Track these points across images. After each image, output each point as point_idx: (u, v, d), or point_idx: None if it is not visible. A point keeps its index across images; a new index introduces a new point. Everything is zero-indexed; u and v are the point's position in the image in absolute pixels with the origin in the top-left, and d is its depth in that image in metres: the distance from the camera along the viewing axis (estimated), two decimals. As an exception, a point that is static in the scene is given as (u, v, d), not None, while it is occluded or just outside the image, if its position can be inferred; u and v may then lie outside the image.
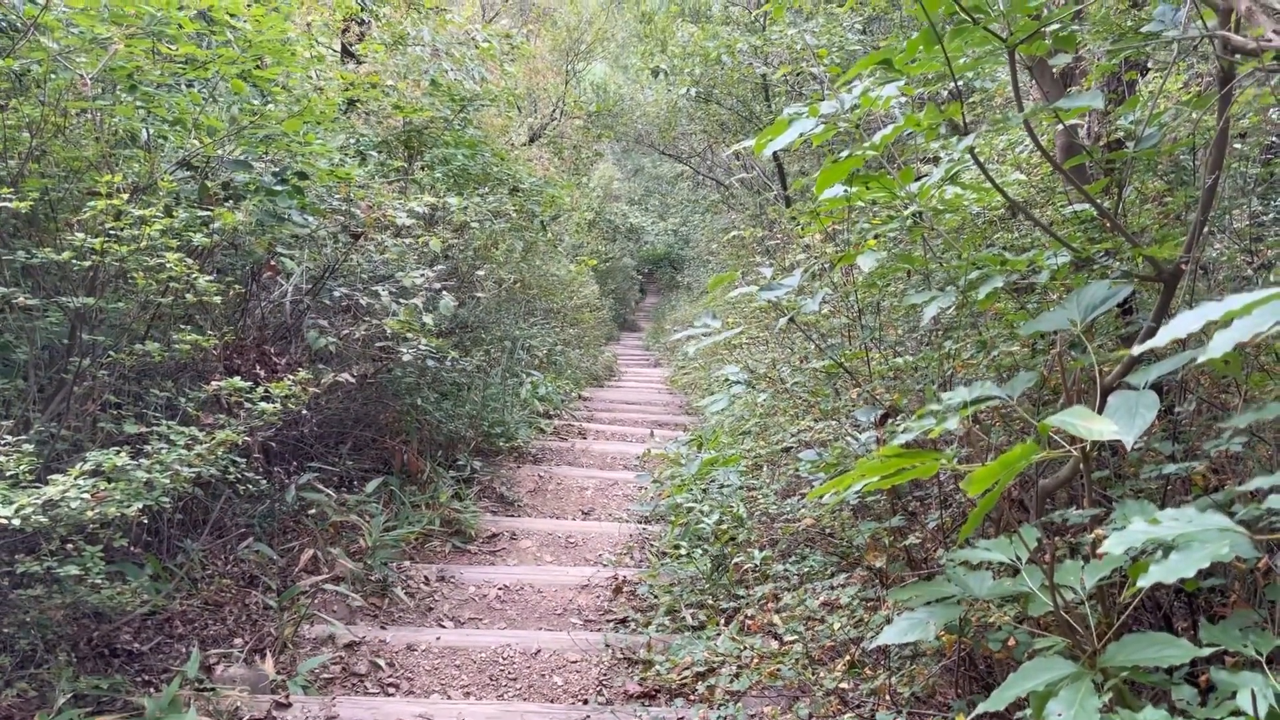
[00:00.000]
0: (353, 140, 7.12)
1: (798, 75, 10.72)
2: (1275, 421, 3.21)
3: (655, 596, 5.45)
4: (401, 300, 5.48)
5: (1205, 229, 2.58)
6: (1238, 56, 2.07)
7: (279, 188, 4.75)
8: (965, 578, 2.21)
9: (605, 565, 6.09)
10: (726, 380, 5.12)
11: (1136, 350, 1.49)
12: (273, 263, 4.37)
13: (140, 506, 3.16)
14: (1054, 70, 4.56)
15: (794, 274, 3.41)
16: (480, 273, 6.92)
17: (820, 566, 4.36)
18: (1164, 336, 1.42)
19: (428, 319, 5.46)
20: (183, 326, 3.72)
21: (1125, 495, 3.02)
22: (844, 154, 2.50)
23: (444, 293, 5.88)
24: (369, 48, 7.17)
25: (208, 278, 3.49)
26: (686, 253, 28.92)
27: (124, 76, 3.82)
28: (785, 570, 4.88)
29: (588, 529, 6.78)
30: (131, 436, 3.47)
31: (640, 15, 10.64)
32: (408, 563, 5.86)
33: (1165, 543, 1.60)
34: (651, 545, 6.35)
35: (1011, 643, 2.35)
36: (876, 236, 4.09)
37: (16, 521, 2.74)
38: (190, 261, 3.39)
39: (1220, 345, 1.29)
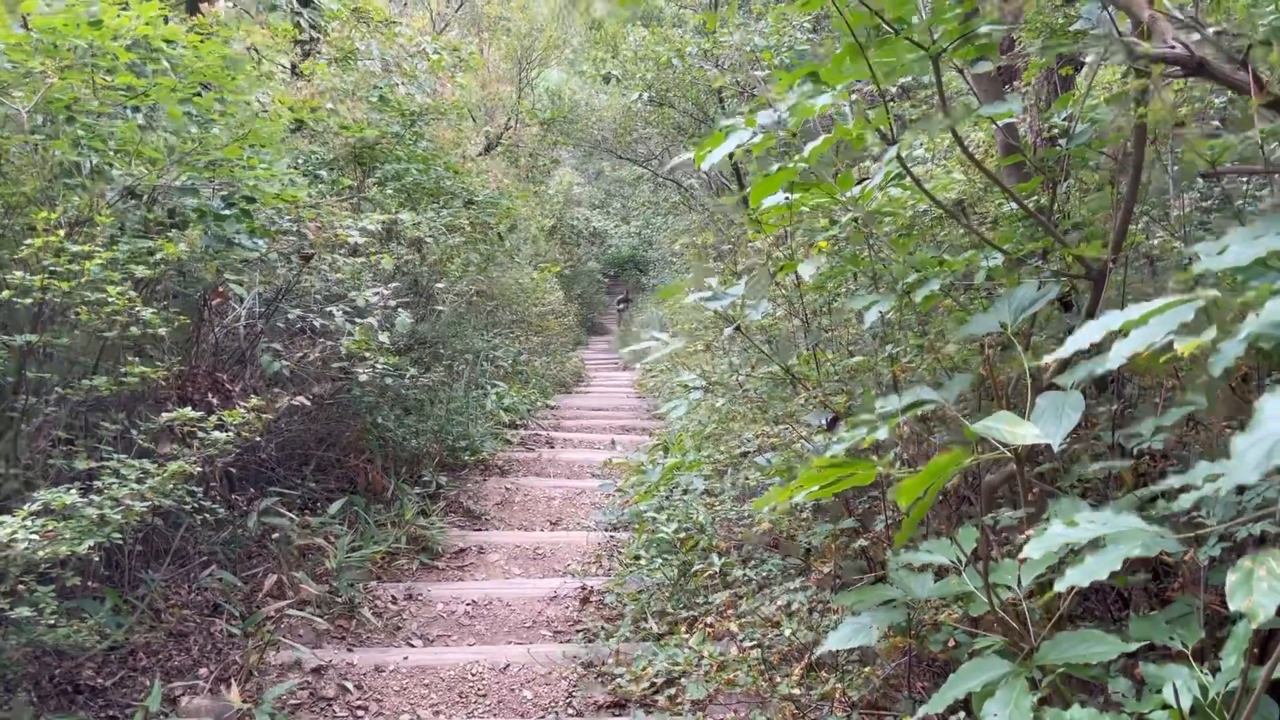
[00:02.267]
0: (301, 159, 7.09)
1: (748, 76, 10.79)
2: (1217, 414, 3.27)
3: (622, 605, 5.47)
4: (357, 320, 5.46)
5: (1131, 224, 2.64)
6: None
7: (226, 212, 4.73)
8: (908, 580, 2.25)
9: (573, 575, 6.09)
10: (685, 386, 5.16)
11: (1049, 359, 1.53)
12: (222, 289, 4.35)
13: (92, 544, 3.13)
14: (991, 70, 4.61)
15: (739, 282, 3.43)
16: (439, 285, 6.92)
17: (779, 570, 4.39)
18: (1070, 347, 1.46)
19: (384, 338, 5.45)
20: (132, 358, 3.69)
21: (1069, 489, 3.07)
22: (775, 167, 2.54)
23: (400, 310, 5.86)
24: (311, 67, 7.13)
25: (152, 310, 3.47)
26: (650, 254, 28.96)
27: (62, 108, 3.79)
28: (745, 575, 4.93)
29: (556, 540, 6.78)
30: (82, 472, 3.44)
31: (590, 22, 10.66)
32: (374, 582, 5.83)
33: (1086, 543, 1.63)
34: (619, 553, 6.37)
35: (952, 644, 2.39)
36: (830, 239, 4.13)
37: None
38: (133, 294, 3.38)
39: (1117, 356, 1.33)
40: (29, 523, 2.96)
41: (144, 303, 3.77)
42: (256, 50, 6.30)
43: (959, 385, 2.42)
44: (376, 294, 5.72)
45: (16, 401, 3.61)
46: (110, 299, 3.26)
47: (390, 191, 7.05)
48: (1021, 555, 1.53)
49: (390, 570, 6.13)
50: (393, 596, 5.71)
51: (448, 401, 7.81)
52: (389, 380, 5.85)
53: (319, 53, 8.87)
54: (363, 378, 5.22)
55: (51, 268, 3.15)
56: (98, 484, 3.38)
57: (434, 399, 7.66)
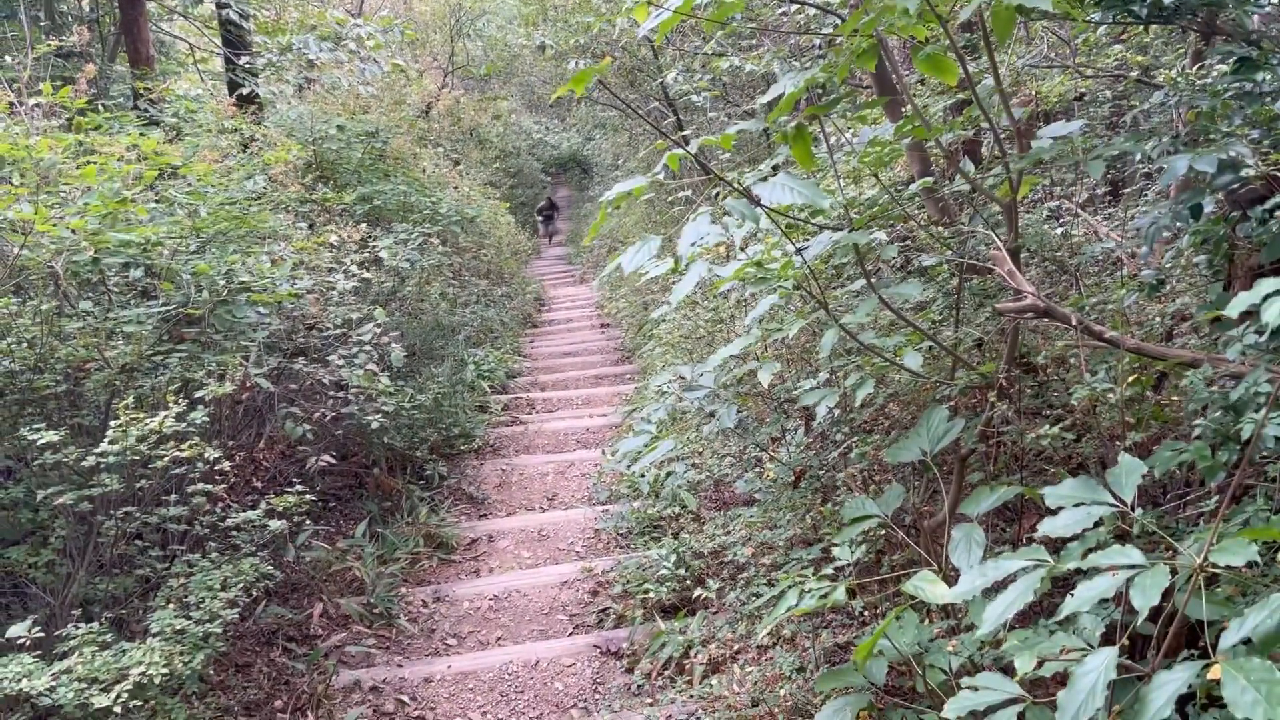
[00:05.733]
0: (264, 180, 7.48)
1: (675, 30, 11.09)
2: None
3: (627, 583, 6.22)
4: (356, 362, 6.03)
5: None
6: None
7: (236, 296, 5.22)
8: (869, 666, 2.99)
9: (579, 557, 6.85)
10: (661, 391, 5.81)
11: (950, 597, 2.21)
12: (248, 383, 4.90)
13: (203, 657, 3.81)
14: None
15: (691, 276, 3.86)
16: (424, 305, 7.47)
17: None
18: (963, 591, 2.14)
19: (385, 380, 6.04)
20: (193, 477, 4.29)
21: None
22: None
23: (392, 345, 6.42)
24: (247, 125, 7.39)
25: (214, 452, 4.06)
26: (594, 156, 28.57)
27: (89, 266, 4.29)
28: (737, 555, 5.69)
29: (556, 519, 7.52)
30: (175, 588, 4.08)
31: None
32: (403, 588, 6.55)
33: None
34: (616, 529, 7.11)
35: (903, 721, 3.15)
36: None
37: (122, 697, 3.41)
38: (198, 442, 3.97)
39: (991, 620, 2.01)
40: (156, 645, 3.61)
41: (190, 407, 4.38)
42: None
43: (894, 499, 3.11)
44: (370, 333, 6.27)
45: (101, 531, 4.22)
46: (183, 452, 3.86)
47: (359, 214, 7.49)
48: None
49: (414, 572, 6.84)
50: (423, 600, 6.44)
51: (436, 392, 8.39)
52: (390, 408, 6.44)
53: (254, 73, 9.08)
54: (374, 425, 5.82)
55: (130, 437, 3.74)
56: (190, 599, 4.04)
57: (423, 388, 8.26)
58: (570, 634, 6.00)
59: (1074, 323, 2.44)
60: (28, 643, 3.54)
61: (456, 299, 9.61)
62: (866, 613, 3.87)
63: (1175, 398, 3.45)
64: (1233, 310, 1.71)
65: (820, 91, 6.64)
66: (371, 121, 8.27)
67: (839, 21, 3.85)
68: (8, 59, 5.43)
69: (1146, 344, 2.62)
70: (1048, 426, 2.63)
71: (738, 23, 11.34)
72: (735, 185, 2.72)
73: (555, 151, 31.79)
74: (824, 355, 3.04)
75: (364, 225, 7.13)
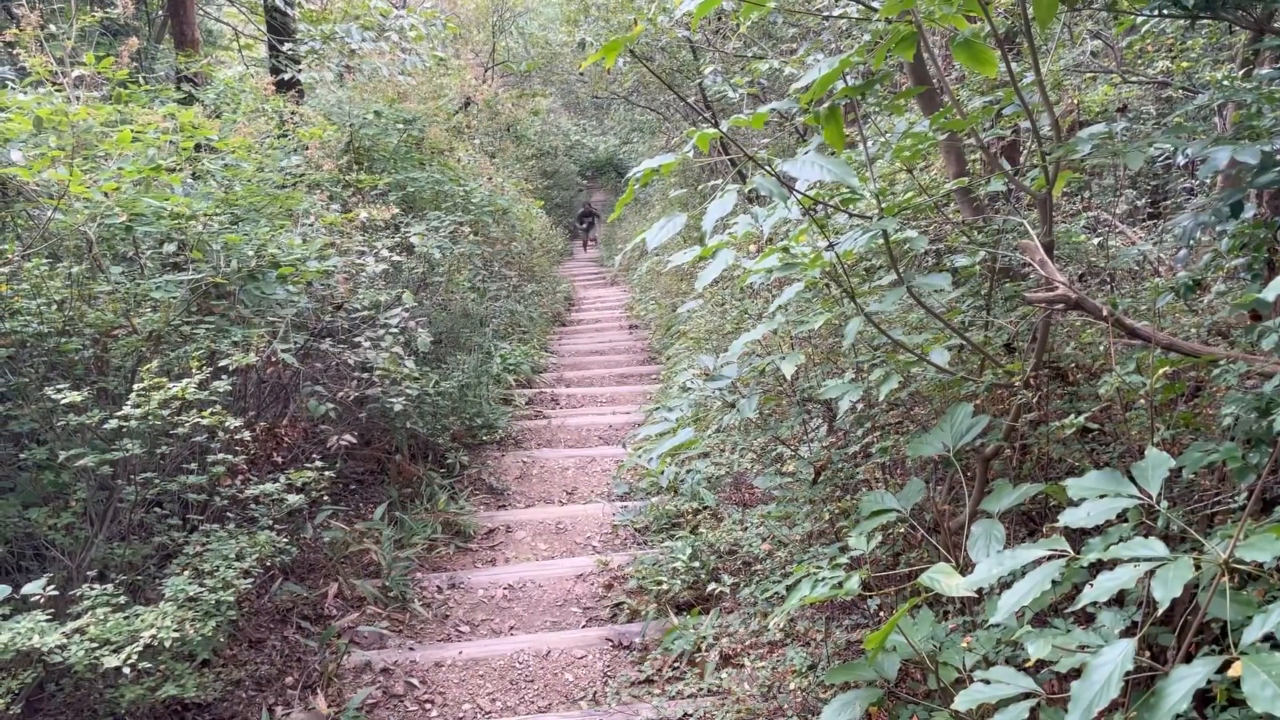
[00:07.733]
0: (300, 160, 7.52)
1: (716, 32, 11.10)
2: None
3: (643, 579, 6.19)
4: (382, 345, 6.04)
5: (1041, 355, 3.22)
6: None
7: (265, 272, 5.24)
8: (881, 661, 2.93)
9: (595, 551, 6.83)
10: (684, 388, 5.78)
11: (955, 590, 2.16)
12: (273, 359, 4.92)
13: (215, 625, 3.81)
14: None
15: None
16: (454, 296, 7.48)
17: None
18: (977, 583, 2.09)
19: (410, 364, 6.04)
20: (214, 448, 4.31)
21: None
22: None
23: (419, 329, 6.43)
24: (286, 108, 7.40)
25: (234, 420, 4.07)
26: (630, 160, 28.56)
27: (122, 231, 4.31)
28: (753, 550, 5.64)
29: (574, 513, 7.50)
30: (191, 556, 4.09)
31: (561, -14, 10.86)
32: (419, 573, 6.56)
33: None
34: (634, 524, 7.09)
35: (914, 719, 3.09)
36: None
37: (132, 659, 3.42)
38: (219, 409, 3.98)
39: (1005, 609, 1.96)
40: (169, 610, 3.62)
41: (214, 376, 4.40)
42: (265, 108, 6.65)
43: (914, 493, 3.06)
44: (397, 316, 6.28)
45: (121, 493, 4.24)
46: (203, 420, 3.87)
47: (392, 199, 7.51)
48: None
49: (431, 558, 6.85)
50: (438, 586, 6.44)
51: (461, 381, 8.40)
52: (413, 392, 6.45)
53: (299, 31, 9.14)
54: (397, 408, 5.83)
55: (153, 403, 3.75)
56: (205, 567, 4.04)
57: (448, 376, 8.27)
58: (583, 626, 5.97)
59: (1104, 315, 2.38)
60: (42, 601, 3.56)
61: (485, 291, 9.62)
62: (882, 612, 3.82)
63: (1210, 410, 3.38)
64: (1269, 294, 1.66)
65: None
66: (409, 110, 8.30)
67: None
68: (51, 28, 5.49)
69: (1179, 340, 2.56)
70: (1073, 416, 2.56)
71: (777, 23, 11.30)
72: (764, 164, 2.69)
73: (592, 154, 31.84)
74: (847, 344, 3.00)
75: (396, 211, 7.14)
